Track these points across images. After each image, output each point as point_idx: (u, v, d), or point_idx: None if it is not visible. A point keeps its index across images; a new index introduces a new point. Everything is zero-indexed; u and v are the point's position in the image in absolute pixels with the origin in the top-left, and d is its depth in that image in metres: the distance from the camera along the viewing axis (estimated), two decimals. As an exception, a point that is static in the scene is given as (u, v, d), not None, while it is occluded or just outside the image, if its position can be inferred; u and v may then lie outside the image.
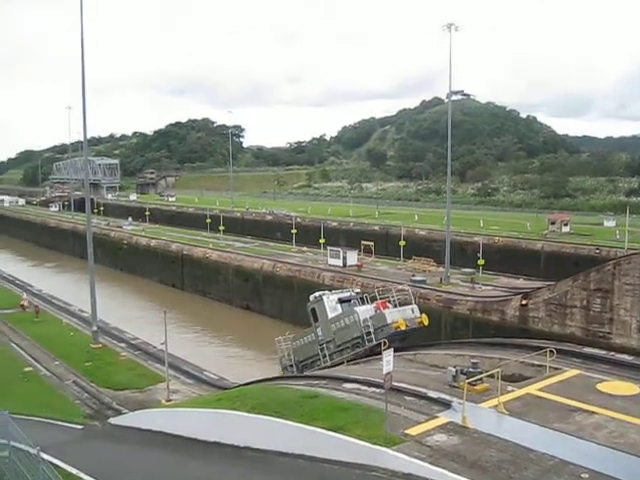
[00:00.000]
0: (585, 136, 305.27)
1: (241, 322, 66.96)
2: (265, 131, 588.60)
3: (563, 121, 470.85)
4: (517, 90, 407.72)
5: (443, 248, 63.18)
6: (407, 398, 23.66)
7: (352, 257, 67.74)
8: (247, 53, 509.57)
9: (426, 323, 39.09)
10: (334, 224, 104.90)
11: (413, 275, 59.34)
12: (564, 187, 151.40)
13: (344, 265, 66.29)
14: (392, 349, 22.18)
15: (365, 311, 39.61)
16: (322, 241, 79.02)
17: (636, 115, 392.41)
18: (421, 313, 39.76)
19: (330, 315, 40.85)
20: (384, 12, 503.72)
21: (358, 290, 44.93)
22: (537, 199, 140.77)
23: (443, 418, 21.54)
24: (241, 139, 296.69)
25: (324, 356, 40.78)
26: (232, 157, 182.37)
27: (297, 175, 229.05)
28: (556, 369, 27.24)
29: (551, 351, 27.07)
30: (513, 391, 24.38)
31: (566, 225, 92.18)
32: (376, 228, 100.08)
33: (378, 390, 23.77)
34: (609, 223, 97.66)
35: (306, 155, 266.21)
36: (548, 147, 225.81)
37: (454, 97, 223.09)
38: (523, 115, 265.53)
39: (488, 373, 24.41)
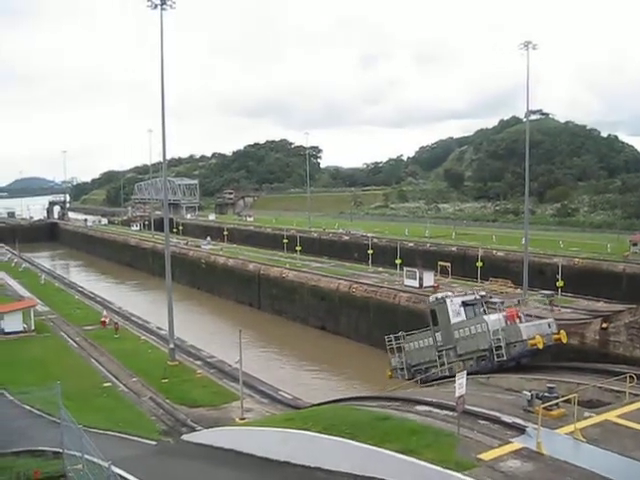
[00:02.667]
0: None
1: (316, 342, 67.11)
2: (342, 152, 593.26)
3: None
4: (597, 109, 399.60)
5: (521, 269, 62.32)
6: (480, 422, 23.27)
7: (429, 278, 67.21)
8: (324, 74, 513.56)
9: (564, 341, 36.51)
10: (410, 245, 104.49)
11: (490, 297, 58.57)
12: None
13: (420, 286, 65.80)
14: (465, 372, 21.94)
15: (496, 321, 36.75)
16: (398, 262, 78.66)
17: None
18: (559, 329, 37.17)
19: (453, 320, 38.31)
20: (461, 31, 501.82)
21: (483, 293, 42.52)
22: (618, 220, 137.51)
23: (517, 444, 21.08)
24: (318, 160, 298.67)
25: (442, 364, 38.51)
26: (309, 178, 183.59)
27: (374, 195, 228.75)
28: (636, 395, 26.43)
29: (631, 377, 26.31)
30: (590, 417, 23.75)
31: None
32: (453, 249, 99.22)
33: (451, 413, 23.48)
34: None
35: (383, 176, 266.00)
36: (630, 166, 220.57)
37: (532, 116, 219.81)
38: (604, 134, 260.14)
39: (565, 398, 23.86)
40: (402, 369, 41.36)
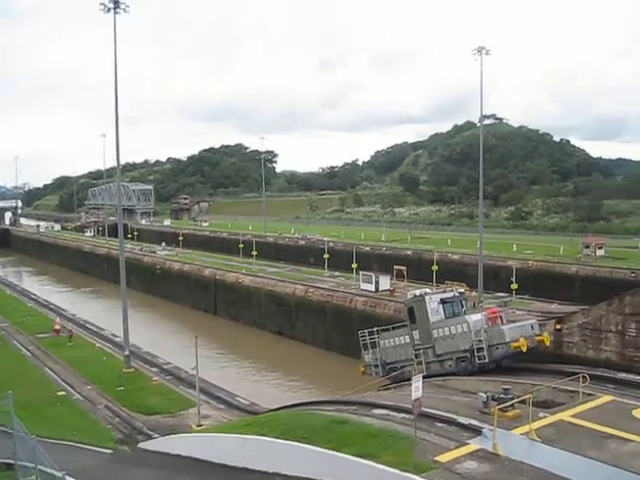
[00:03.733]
0: (619, 158, 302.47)
1: (273, 347, 66.91)
2: (298, 156, 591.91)
3: (597, 144, 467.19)
4: (550, 114, 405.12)
5: (476, 272, 62.83)
6: (437, 424, 23.40)
7: (384, 282, 67.47)
8: (280, 79, 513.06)
9: (547, 343, 35.45)
10: (366, 249, 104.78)
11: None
12: (598, 210, 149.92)
13: (376, 290, 66.03)
14: (421, 375, 22.01)
15: (478, 321, 35.57)
16: (354, 266, 78.81)
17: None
18: (541, 331, 36.29)
19: (432, 318, 36.88)
20: (416, 37, 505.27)
21: (462, 290, 41.08)
22: (571, 223, 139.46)
23: (474, 445, 21.23)
24: (274, 164, 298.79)
25: (419, 363, 37.12)
26: (265, 182, 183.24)
27: (330, 200, 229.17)
28: (589, 395, 26.75)
29: (584, 377, 26.64)
30: (545, 417, 23.99)
31: (601, 248, 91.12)
32: (409, 253, 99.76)
33: (408, 416, 23.52)
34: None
35: (339, 180, 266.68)
36: (582, 170, 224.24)
37: (486, 121, 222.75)
38: (556, 138, 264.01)
39: (520, 399, 24.07)
40: (376, 366, 40.25)
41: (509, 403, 24.06)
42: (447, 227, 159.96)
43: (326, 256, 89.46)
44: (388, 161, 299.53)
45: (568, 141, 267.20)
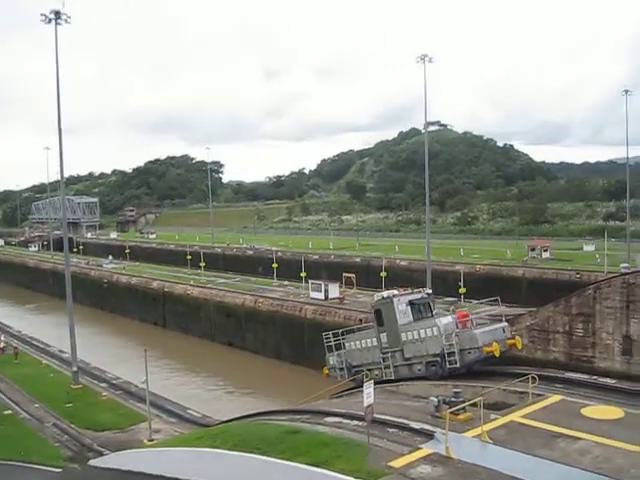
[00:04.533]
0: (562, 162, 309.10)
1: (224, 359, 66.43)
2: (245, 166, 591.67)
3: (540, 148, 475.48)
4: (494, 119, 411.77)
5: (425, 278, 63.23)
6: (390, 430, 23.42)
7: (334, 290, 67.52)
8: (226, 89, 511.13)
9: (519, 347, 34.47)
10: (315, 257, 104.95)
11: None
12: (543, 213, 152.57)
13: (326, 298, 66.04)
14: (372, 381, 22.02)
15: (448, 325, 34.16)
16: (303, 274, 78.73)
17: (611, 140, 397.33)
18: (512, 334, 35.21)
19: (400, 320, 35.45)
20: (361, 45, 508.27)
21: (430, 291, 39.12)
22: (517, 226, 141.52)
23: (426, 449, 21.29)
24: (220, 175, 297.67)
25: (387, 367, 35.94)
26: (212, 193, 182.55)
27: (277, 209, 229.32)
28: (539, 395, 27.08)
29: (533, 377, 26.95)
30: (496, 419, 24.19)
31: (546, 251, 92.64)
32: (357, 260, 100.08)
33: (360, 423, 23.52)
34: (588, 247, 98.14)
35: (286, 189, 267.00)
36: (526, 174, 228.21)
37: (431, 128, 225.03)
38: (500, 144, 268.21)
39: (471, 402, 24.23)
40: (341, 369, 38.88)
41: (460, 406, 24.19)
42: (395, 234, 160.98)
43: (275, 265, 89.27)
44: (334, 169, 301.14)
45: (512, 146, 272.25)
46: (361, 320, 55.05)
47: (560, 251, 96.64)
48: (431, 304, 37.36)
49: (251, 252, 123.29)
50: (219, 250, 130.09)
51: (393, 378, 35.25)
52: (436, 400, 25.35)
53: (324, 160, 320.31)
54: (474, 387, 29.11)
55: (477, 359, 32.91)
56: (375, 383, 34.57)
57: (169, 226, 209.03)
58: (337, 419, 25.94)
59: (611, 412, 24.93)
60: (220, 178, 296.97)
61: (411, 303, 36.05)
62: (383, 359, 36.22)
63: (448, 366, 33.08)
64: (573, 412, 24.96)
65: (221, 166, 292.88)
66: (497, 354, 32.20)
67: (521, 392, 27.41)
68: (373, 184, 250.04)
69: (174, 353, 68.61)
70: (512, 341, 34.11)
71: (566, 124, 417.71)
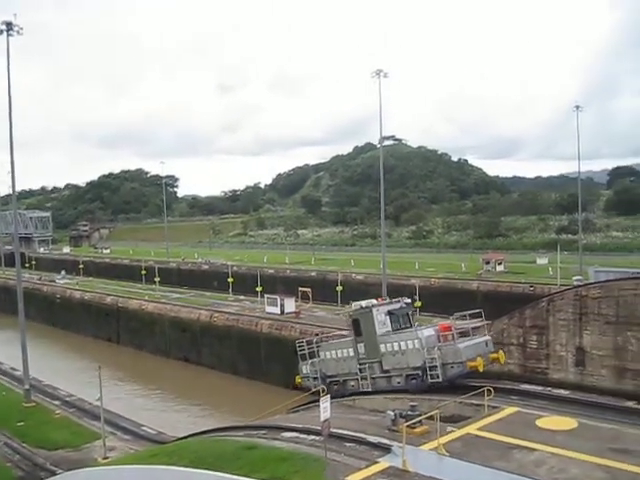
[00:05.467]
0: (515, 176, 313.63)
1: (179, 374, 65.97)
2: (200, 181, 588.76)
3: (493, 162, 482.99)
4: (448, 134, 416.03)
5: (380, 292, 63.44)
6: (347, 444, 23.33)
7: (290, 304, 67.60)
8: (180, 103, 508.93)
9: (502, 361, 33.53)
10: (271, 271, 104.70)
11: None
12: (497, 227, 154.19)
13: (282, 312, 66.11)
14: (329, 396, 21.96)
15: (430, 337, 33.05)
16: (259, 289, 78.65)
17: (563, 155, 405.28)
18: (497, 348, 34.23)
19: (379, 331, 34.34)
20: (316, 61, 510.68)
21: (409, 300, 38.19)
22: (471, 240, 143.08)
23: (384, 463, 21.23)
24: (175, 189, 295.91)
25: (364, 378, 34.86)
26: (167, 207, 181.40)
27: (232, 224, 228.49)
28: (495, 408, 27.23)
29: (489, 390, 27.11)
30: (452, 432, 24.24)
31: (500, 264, 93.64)
32: (313, 274, 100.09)
33: (318, 438, 23.41)
34: (542, 261, 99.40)
35: (241, 203, 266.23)
36: (480, 188, 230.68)
37: (386, 142, 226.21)
38: (454, 158, 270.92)
39: (427, 415, 24.24)
40: (315, 378, 37.34)
41: (417, 420, 24.20)
42: (350, 248, 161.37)
43: (230, 280, 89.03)
44: (290, 184, 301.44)
45: (466, 161, 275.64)
46: (317, 335, 55.08)
47: (514, 264, 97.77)
48: (410, 314, 36.56)
49: (206, 267, 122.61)
50: (174, 265, 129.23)
51: (370, 390, 34.42)
52: (393, 414, 25.34)
53: (279, 174, 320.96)
54: (430, 400, 29.19)
55: (460, 374, 32.09)
56: (352, 394, 34.56)
57: (123, 241, 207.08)
58: (294, 434, 25.80)
59: (565, 423, 25.15)
60: (175, 192, 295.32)
61: (390, 313, 35.14)
62: (360, 370, 35.08)
63: (430, 380, 32.06)
64: (528, 423, 25.13)
65: (176, 180, 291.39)
66: (481, 369, 31.52)
67: (477, 404, 27.56)
68: (329, 198, 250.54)
69: (129, 369, 67.96)
70: (495, 355, 33.39)
71: (519, 139, 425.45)
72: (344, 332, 41.58)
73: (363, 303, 35.92)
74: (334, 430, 22.54)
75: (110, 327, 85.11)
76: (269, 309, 68.10)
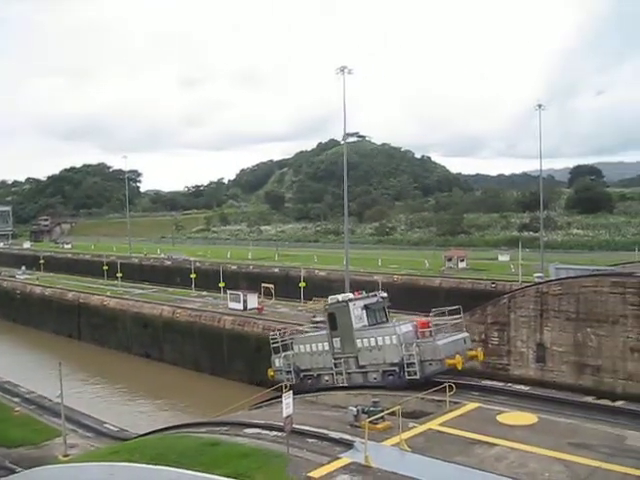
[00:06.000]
0: (478, 174, 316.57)
1: (141, 371, 65.51)
2: (163, 175, 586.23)
3: (456, 160, 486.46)
4: (412, 132, 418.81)
5: (343, 288, 63.52)
6: (309, 440, 23.37)
7: (252, 300, 67.46)
8: (143, 97, 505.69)
9: (481, 358, 33.37)
10: (234, 267, 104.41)
11: (314, 316, 59.30)
12: (459, 224, 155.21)
13: (244, 308, 65.98)
14: (291, 392, 21.96)
15: (408, 333, 32.45)
16: (222, 285, 78.40)
17: (525, 153, 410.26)
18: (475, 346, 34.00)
19: (356, 325, 33.66)
20: (282, 55, 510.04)
21: (385, 294, 37.08)
22: (434, 237, 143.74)
23: (346, 459, 21.32)
24: (138, 184, 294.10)
25: (339, 373, 34.21)
26: (129, 202, 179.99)
27: (195, 219, 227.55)
28: (456, 403, 27.47)
29: (450, 386, 27.34)
30: (414, 427, 24.41)
31: (462, 261, 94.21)
32: (276, 270, 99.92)
33: (280, 434, 23.42)
34: (503, 257, 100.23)
35: (204, 199, 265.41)
36: (443, 186, 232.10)
37: (350, 139, 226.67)
38: (418, 155, 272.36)
39: (389, 411, 24.38)
40: (289, 372, 36.59)
41: (379, 415, 24.33)
42: (314, 244, 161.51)
43: (193, 276, 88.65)
44: (254, 179, 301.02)
45: (429, 158, 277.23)
46: (280, 330, 55.10)
47: (476, 261, 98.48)
48: (386, 308, 35.96)
49: (169, 262, 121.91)
50: (136, 260, 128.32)
51: (346, 385, 33.85)
52: (355, 410, 25.43)
53: (243, 170, 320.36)
54: (393, 396, 29.32)
55: (438, 371, 31.49)
56: (326, 389, 34.10)
57: (85, 236, 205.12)
58: (256, 430, 25.76)
59: (525, 418, 25.45)
60: (138, 187, 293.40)
61: (366, 307, 34.57)
62: (335, 365, 34.43)
63: (407, 377, 31.44)
64: (489, 419, 25.40)
65: (139, 175, 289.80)
66: (459, 367, 30.89)
67: (439, 400, 27.74)
68: (292, 194, 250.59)
69: (90, 366, 67.37)
70: (473, 352, 32.97)
71: (482, 137, 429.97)
72: (312, 327, 41.57)
73: (340, 297, 35.28)
74: (296, 426, 22.56)
75: (71, 323, 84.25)
76: (232, 305, 67.94)
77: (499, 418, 25.41)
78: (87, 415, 42.53)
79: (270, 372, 38.34)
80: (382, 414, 24.46)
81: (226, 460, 21.72)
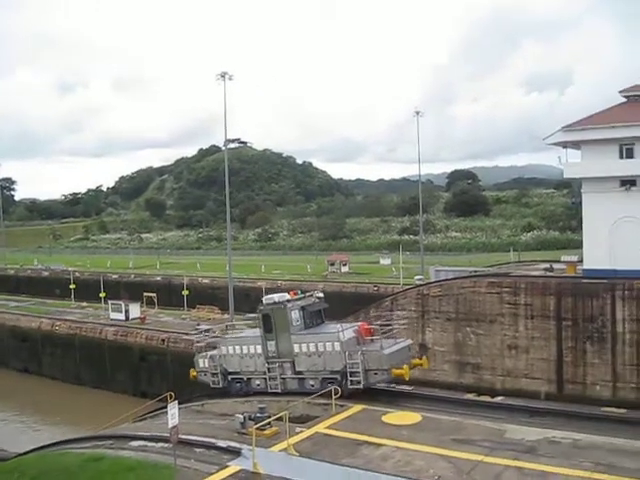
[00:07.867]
0: (358, 179, 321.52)
1: (19, 386, 63.19)
2: (39, 183, 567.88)
3: (338, 165, 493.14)
4: (293, 138, 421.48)
5: (227, 295, 63.24)
6: (196, 450, 23.20)
7: (135, 310, 66.53)
8: (16, 102, 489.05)
9: (426, 366, 31.98)
10: (115, 277, 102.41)
11: (198, 324, 58.73)
12: (341, 229, 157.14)
13: (127, 319, 65.01)
14: (176, 401, 21.70)
15: (351, 340, 30.34)
16: (103, 295, 76.78)
17: (404, 158, 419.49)
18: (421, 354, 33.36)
19: (293, 329, 31.57)
20: (160, 62, 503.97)
21: (321, 295, 35.68)
22: (316, 241, 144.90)
23: (234, 466, 21.27)
24: (12, 192, 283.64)
25: (273, 378, 32.02)
26: (3, 211, 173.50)
27: (73, 228, 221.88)
28: (342, 406, 27.75)
29: (335, 389, 27.64)
30: (302, 432, 24.53)
31: (345, 265, 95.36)
32: (158, 279, 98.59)
33: (166, 445, 23.10)
34: (385, 261, 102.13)
35: (82, 207, 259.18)
36: (324, 191, 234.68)
37: (231, 145, 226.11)
38: (299, 161, 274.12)
39: (276, 417, 24.40)
40: (215, 374, 34.12)
41: (266, 422, 24.32)
42: (196, 251, 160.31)
43: (72, 287, 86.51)
44: (133, 186, 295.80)
45: (311, 163, 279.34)
46: (164, 340, 54.51)
47: (358, 265, 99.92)
48: (322, 311, 34.20)
49: (47, 273, 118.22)
50: (12, 272, 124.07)
51: (279, 391, 31.71)
52: (242, 417, 25.41)
53: (122, 177, 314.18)
54: (279, 402, 29.36)
55: (384, 381, 30.37)
56: (257, 394, 32.17)
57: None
58: (142, 442, 25.34)
59: (410, 417, 26.00)
60: (12, 196, 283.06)
61: (303, 309, 32.60)
62: (269, 369, 32.28)
63: (350, 386, 29.53)
64: (375, 420, 25.80)
65: (13, 183, 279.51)
66: (406, 378, 29.36)
67: (325, 404, 27.96)
68: (173, 201, 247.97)
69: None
70: (419, 361, 31.52)
71: (362, 143, 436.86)
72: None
73: (276, 297, 33.14)
74: (183, 436, 22.33)
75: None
76: (113, 315, 66.68)
77: (384, 418, 25.85)
78: (-39, 435, 40.89)
79: (193, 373, 35.92)
80: (269, 420, 24.47)
81: (111, 475, 21.30)
